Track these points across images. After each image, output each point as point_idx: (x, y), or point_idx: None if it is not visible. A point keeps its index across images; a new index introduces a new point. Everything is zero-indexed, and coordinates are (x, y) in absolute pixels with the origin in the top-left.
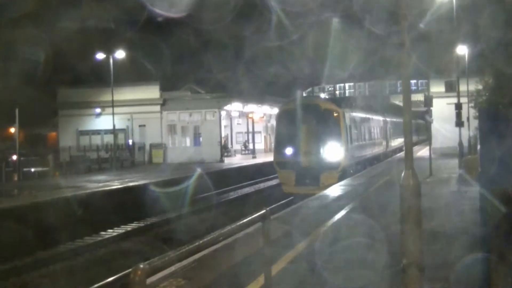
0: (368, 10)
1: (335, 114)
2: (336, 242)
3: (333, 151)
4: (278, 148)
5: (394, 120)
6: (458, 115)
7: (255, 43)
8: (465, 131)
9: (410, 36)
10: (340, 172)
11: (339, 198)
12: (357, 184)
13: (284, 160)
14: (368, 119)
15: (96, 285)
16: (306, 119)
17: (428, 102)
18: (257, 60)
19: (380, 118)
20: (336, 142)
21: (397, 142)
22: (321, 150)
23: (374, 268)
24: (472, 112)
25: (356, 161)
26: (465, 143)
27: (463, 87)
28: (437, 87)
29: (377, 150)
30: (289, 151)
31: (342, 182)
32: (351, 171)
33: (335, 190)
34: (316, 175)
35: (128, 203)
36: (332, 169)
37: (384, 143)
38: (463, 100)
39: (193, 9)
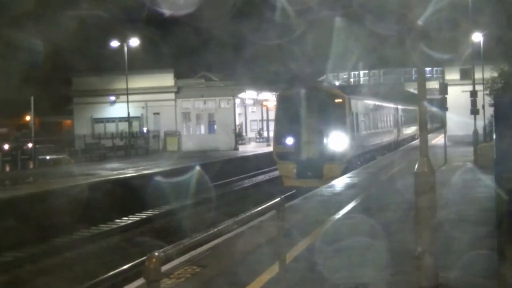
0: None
1: (340, 100)
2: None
3: (337, 141)
4: (278, 138)
5: (407, 107)
6: (473, 102)
7: (272, 33)
8: (480, 119)
9: (424, 24)
10: (345, 164)
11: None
12: (363, 178)
13: (284, 150)
14: (377, 107)
15: (111, 273)
16: (308, 106)
17: (443, 89)
18: (272, 50)
19: (391, 105)
20: (340, 131)
21: (410, 130)
22: (324, 140)
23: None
24: (487, 99)
25: (363, 152)
26: (480, 131)
27: (478, 75)
28: (452, 75)
29: (388, 139)
30: (289, 140)
31: (346, 176)
32: (358, 163)
33: (337, 183)
34: (319, 167)
35: (144, 191)
36: (336, 160)
37: (395, 131)
38: (478, 87)
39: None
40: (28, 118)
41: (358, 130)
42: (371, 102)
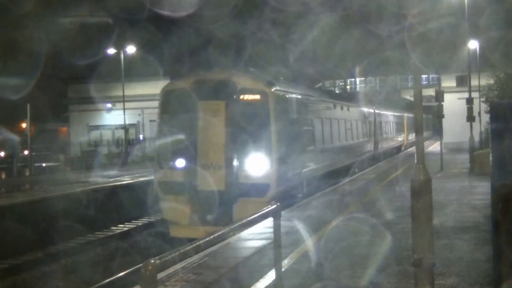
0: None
1: (257, 97)
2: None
3: (257, 162)
4: (161, 158)
5: (389, 113)
6: (469, 110)
7: (270, 35)
8: (476, 126)
9: (419, 32)
10: (272, 200)
11: None
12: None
13: (172, 178)
14: (336, 108)
15: (107, 280)
16: (209, 108)
17: (439, 97)
18: (271, 53)
19: (364, 108)
20: (262, 146)
21: (393, 141)
22: (236, 161)
23: None
24: (483, 106)
25: (308, 177)
26: (476, 138)
27: (474, 82)
28: (448, 82)
29: (358, 154)
30: (180, 163)
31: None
32: (300, 195)
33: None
34: (226, 205)
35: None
36: (255, 194)
37: (370, 143)
38: (475, 95)
39: (203, 6)
40: (24, 125)
41: (298, 143)
42: (322, 101)
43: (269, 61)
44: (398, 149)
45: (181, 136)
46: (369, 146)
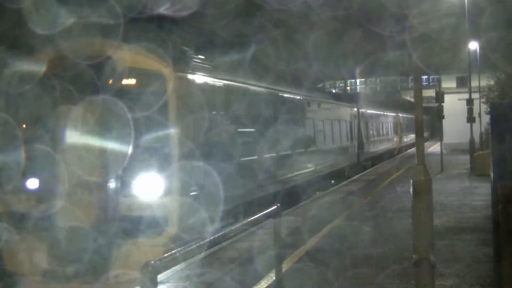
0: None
1: (155, 83)
2: None
3: (148, 183)
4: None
5: (378, 112)
6: (470, 110)
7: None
8: (476, 127)
9: (420, 32)
10: (174, 242)
11: None
12: None
13: (16, 208)
14: (297, 104)
15: None
16: (70, 100)
17: (439, 97)
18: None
19: (345, 107)
20: (157, 158)
21: (384, 145)
22: (113, 181)
23: None
24: (484, 107)
25: (241, 201)
26: (477, 138)
27: (474, 83)
28: (448, 83)
29: (331, 163)
30: (31, 184)
31: None
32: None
33: None
34: (97, 250)
35: None
36: (145, 233)
37: (352, 148)
38: (475, 95)
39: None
40: None
41: (221, 153)
42: (280, 95)
43: (268, 62)
44: (390, 153)
45: (36, 143)
46: (351, 152)
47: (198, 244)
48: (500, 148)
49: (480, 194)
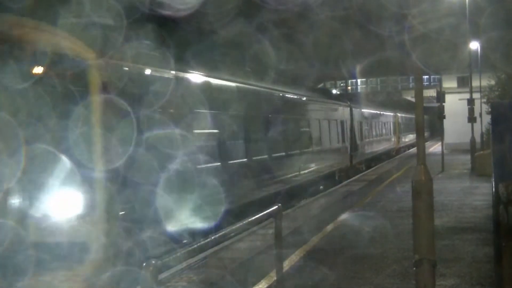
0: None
1: (78, 73)
2: None
3: (65, 200)
4: None
5: (374, 111)
6: (471, 110)
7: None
8: (477, 127)
9: (420, 32)
10: (102, 273)
11: None
12: None
13: None
14: (273, 101)
15: None
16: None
17: (440, 97)
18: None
19: (335, 105)
20: (76, 167)
21: (381, 146)
22: (19, 197)
23: None
24: (485, 107)
25: (198, 219)
26: (478, 138)
27: (475, 83)
28: (449, 83)
29: (317, 168)
30: None
31: None
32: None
33: None
34: None
35: None
36: (60, 264)
37: (345, 150)
38: (476, 95)
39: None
40: None
41: (164, 159)
42: (251, 90)
43: (268, 62)
44: (388, 154)
45: None
46: (343, 154)
47: (199, 244)
48: (500, 148)
49: (480, 194)
